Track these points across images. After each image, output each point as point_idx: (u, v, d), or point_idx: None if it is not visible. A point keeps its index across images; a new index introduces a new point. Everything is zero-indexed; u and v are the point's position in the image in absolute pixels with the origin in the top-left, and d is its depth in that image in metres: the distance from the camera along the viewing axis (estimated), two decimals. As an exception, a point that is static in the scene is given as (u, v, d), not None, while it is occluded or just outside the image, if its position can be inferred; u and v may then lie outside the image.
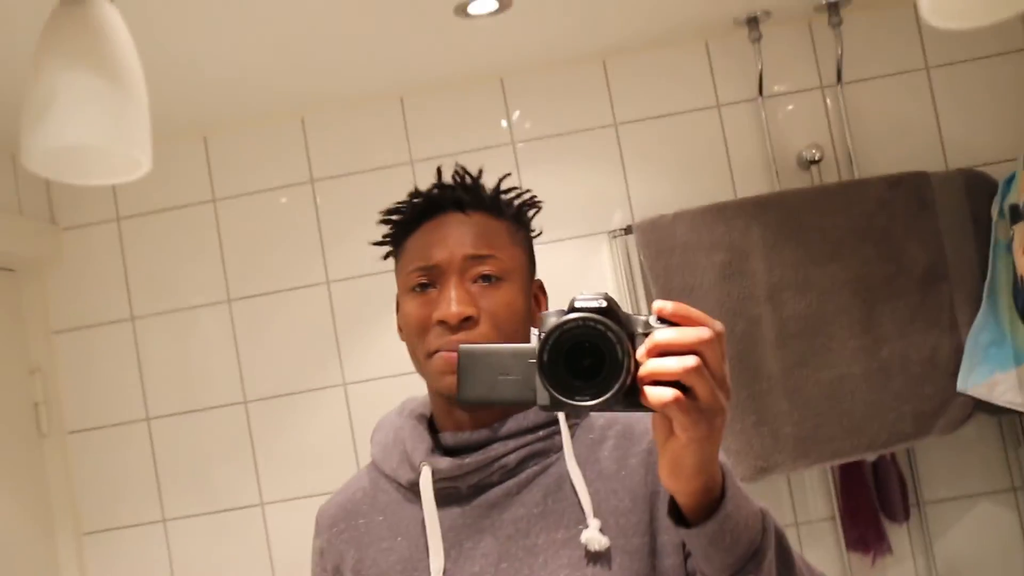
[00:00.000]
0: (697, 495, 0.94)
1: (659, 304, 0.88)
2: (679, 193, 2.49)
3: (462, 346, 0.94)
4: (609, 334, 0.86)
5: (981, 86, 2.51)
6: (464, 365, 0.93)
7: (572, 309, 0.88)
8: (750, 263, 2.33)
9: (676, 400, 0.84)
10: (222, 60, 2.18)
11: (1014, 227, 2.21)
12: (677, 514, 0.98)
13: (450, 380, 1.16)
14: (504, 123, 2.57)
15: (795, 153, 2.51)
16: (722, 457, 1.14)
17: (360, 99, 2.56)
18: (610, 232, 2.49)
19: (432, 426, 1.32)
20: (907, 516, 2.45)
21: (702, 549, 0.96)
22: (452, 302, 1.20)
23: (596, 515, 1.18)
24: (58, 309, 2.58)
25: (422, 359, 1.24)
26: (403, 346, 2.47)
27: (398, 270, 1.30)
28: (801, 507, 2.49)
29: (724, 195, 2.48)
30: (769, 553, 0.99)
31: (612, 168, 2.55)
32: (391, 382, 2.52)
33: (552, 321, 0.89)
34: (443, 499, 1.23)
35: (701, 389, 0.85)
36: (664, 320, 0.88)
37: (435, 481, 1.23)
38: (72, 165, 1.27)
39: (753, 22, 2.45)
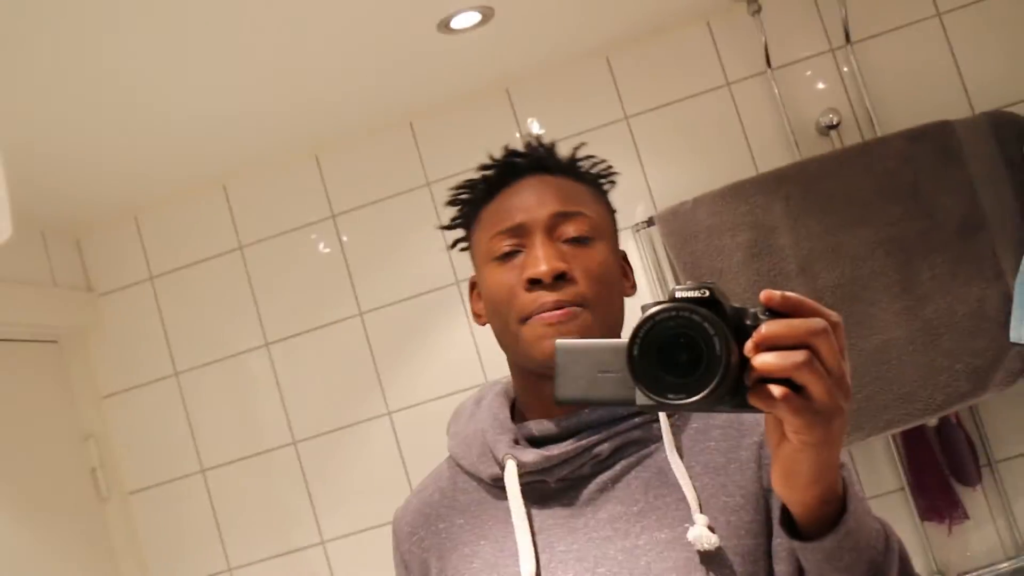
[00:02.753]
0: (813, 506, 0.86)
1: (767, 293, 0.80)
2: (700, 177, 2.44)
3: (559, 341, 0.88)
4: (706, 325, 0.77)
5: (997, 25, 2.41)
6: (561, 362, 0.87)
7: (672, 299, 0.80)
8: (777, 238, 2.28)
9: (786, 398, 0.76)
10: (231, 103, 2.20)
11: (1047, 165, 2.12)
12: (790, 524, 0.89)
13: (549, 345, 1.06)
14: (516, 134, 2.56)
15: (812, 121, 2.45)
16: (844, 464, 1.02)
17: (372, 129, 2.57)
18: (634, 226, 2.45)
19: (515, 413, 1.21)
20: (979, 478, 2.35)
21: (816, 565, 0.88)
22: (544, 259, 1.10)
23: (703, 511, 1.05)
24: (105, 374, 2.63)
25: (514, 327, 1.12)
26: (445, 366, 2.47)
27: (475, 245, 1.21)
28: (868, 480, 2.41)
29: (746, 173, 2.43)
30: None
31: (629, 162, 2.51)
32: (436, 404, 2.51)
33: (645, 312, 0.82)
34: (530, 495, 1.12)
35: (814, 387, 0.76)
36: (773, 311, 0.80)
37: (520, 475, 1.12)
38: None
39: (751, -5, 2.41)
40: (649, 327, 0.79)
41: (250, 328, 2.61)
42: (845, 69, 2.46)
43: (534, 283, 1.10)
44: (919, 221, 2.26)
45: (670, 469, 1.09)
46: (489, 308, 1.18)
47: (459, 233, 1.26)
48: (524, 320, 1.11)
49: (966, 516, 2.36)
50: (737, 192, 2.29)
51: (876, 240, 2.26)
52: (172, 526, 2.59)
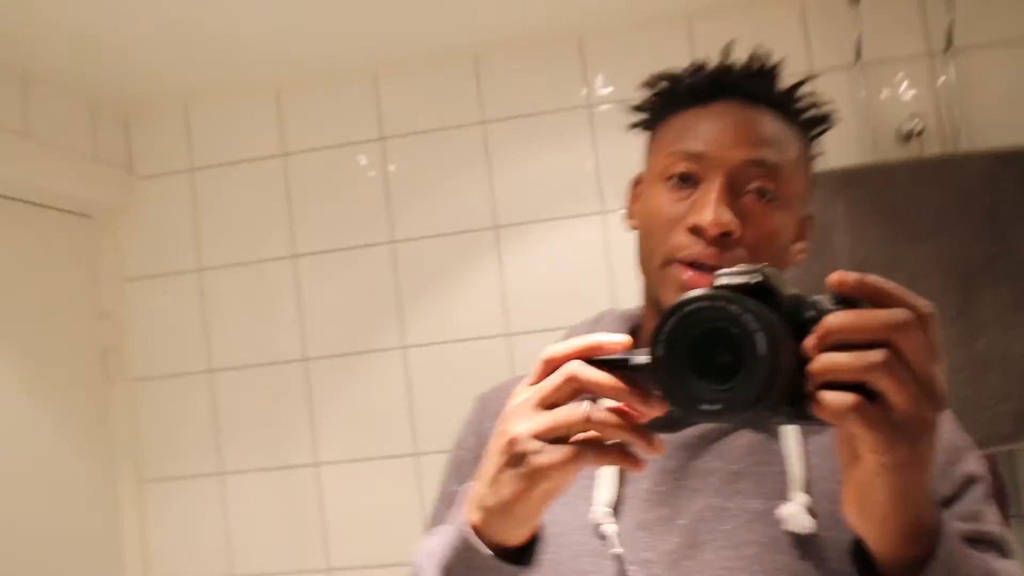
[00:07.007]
0: (893, 543, 0.69)
1: (839, 274, 0.65)
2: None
3: None
4: (746, 317, 0.63)
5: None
6: None
7: (712, 287, 0.66)
8: (833, 239, 2.16)
9: (858, 408, 0.62)
10: (296, 9, 2.13)
11: None
12: (863, 560, 0.73)
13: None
14: (583, 90, 2.45)
15: (895, 124, 2.31)
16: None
17: (434, 57, 2.48)
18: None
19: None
20: (1007, 526, 2.22)
21: None
22: (715, 210, 0.95)
23: (807, 492, 0.93)
24: (131, 256, 2.60)
25: (657, 262, 1.00)
26: (469, 311, 2.39)
27: (653, 148, 1.07)
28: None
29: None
30: None
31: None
32: (451, 347, 2.44)
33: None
34: None
35: (896, 394, 0.62)
36: (845, 299, 0.65)
37: None
38: None
39: (855, -17, 2.26)
40: (676, 320, 0.65)
41: (280, 237, 2.55)
42: (941, 77, 2.31)
43: (695, 230, 0.97)
44: (988, 247, 2.12)
45: (783, 437, 0.98)
46: (643, 225, 1.05)
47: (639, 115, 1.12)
48: (668, 262, 0.99)
49: (979, 564, 2.23)
50: (800, 184, 2.17)
51: (938, 258, 2.13)
52: (171, 419, 2.56)
